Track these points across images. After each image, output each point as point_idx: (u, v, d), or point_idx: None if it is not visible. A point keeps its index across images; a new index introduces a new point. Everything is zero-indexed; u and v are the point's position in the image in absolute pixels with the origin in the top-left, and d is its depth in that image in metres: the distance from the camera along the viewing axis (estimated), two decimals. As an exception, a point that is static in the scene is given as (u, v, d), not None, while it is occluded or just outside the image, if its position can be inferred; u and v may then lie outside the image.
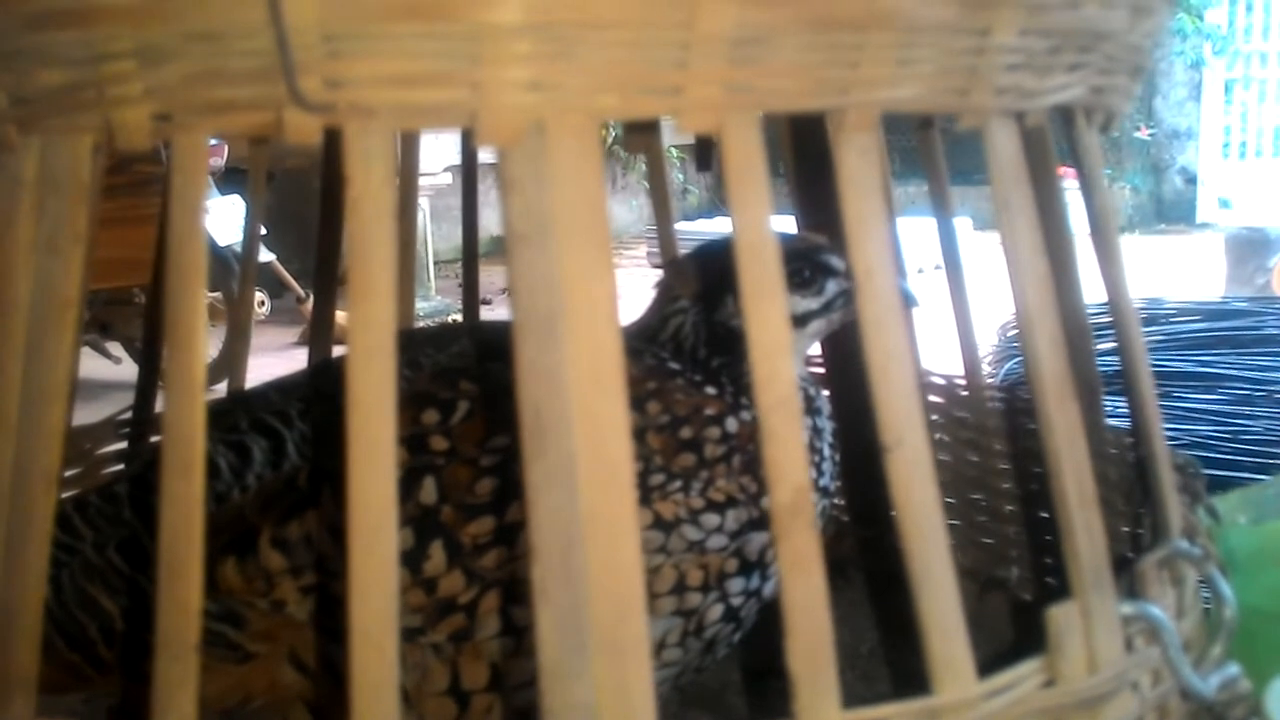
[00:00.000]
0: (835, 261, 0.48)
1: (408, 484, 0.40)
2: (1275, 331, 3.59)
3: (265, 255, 3.08)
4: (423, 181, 6.03)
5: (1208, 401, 3.42)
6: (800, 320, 0.49)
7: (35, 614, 0.27)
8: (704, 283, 0.48)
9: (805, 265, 0.48)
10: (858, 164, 0.28)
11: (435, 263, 5.74)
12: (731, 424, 0.45)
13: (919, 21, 0.27)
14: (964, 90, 0.28)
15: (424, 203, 5.51)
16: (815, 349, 0.57)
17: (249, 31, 0.25)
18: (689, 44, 0.26)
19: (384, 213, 0.26)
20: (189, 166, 0.27)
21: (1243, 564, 0.39)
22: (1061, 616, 0.30)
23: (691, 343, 0.47)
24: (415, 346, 0.49)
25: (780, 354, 0.27)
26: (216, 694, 0.40)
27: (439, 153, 5.62)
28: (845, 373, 0.57)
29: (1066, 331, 0.31)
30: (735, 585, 0.45)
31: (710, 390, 0.46)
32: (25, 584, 0.27)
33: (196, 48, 0.26)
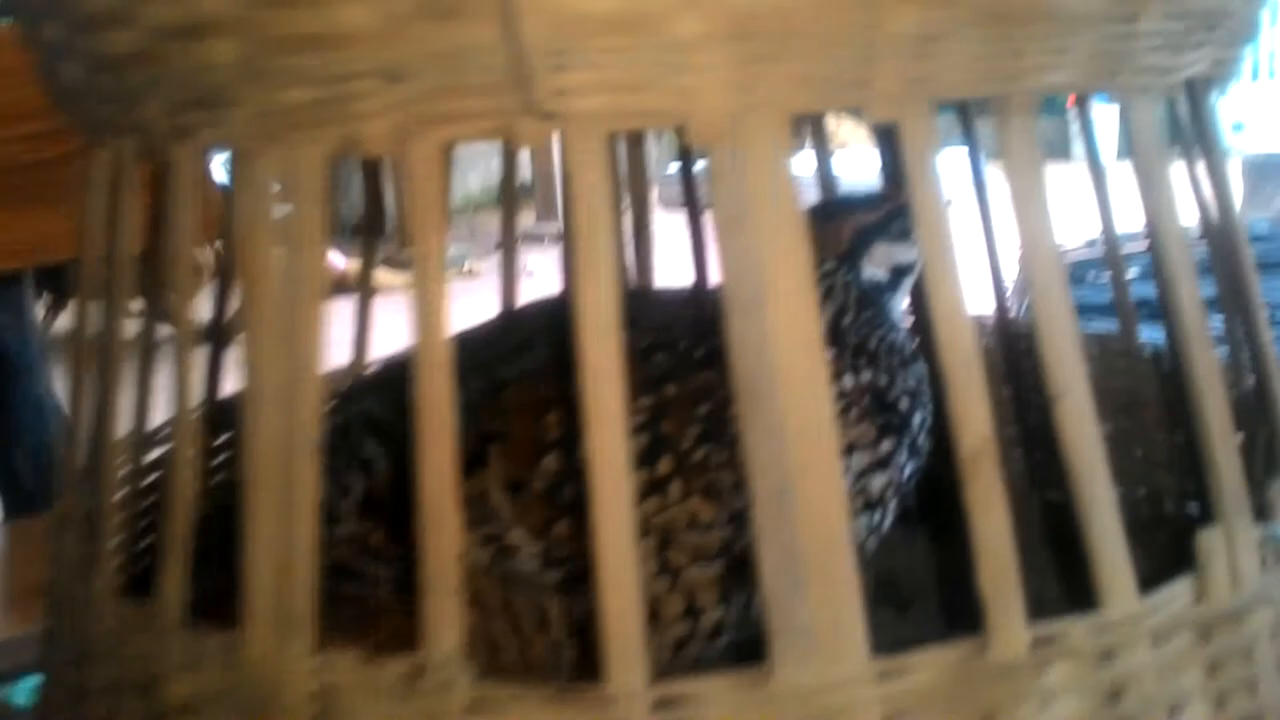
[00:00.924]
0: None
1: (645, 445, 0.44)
2: (1297, 256, 3.55)
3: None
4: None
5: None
6: (904, 270, 0.53)
7: (309, 567, 0.31)
8: (850, 243, 0.51)
9: (905, 217, 0.51)
10: (1020, 144, 0.31)
11: (453, 209, 5.74)
12: (848, 381, 0.49)
13: (1076, 13, 0.30)
14: (1113, 72, 0.31)
15: (437, 152, 5.54)
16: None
17: (485, 50, 0.29)
18: (875, 43, 0.29)
19: (603, 207, 0.30)
20: (424, 173, 0.30)
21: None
22: (1208, 540, 0.33)
23: (841, 303, 0.50)
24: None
25: (958, 315, 0.30)
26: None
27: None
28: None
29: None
30: (860, 522, 0.48)
31: (831, 350, 0.50)
32: (300, 545, 0.31)
33: (436, 65, 0.29)
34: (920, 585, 0.60)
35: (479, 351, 0.49)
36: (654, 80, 0.29)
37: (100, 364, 0.40)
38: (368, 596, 0.41)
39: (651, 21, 0.28)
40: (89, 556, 0.37)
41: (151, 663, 0.33)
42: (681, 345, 0.47)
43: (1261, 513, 0.36)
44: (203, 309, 0.50)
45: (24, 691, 0.81)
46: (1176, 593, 0.33)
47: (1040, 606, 0.31)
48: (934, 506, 0.54)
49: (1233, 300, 0.43)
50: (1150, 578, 0.33)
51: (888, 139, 0.60)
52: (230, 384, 0.46)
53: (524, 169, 6.75)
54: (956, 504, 0.30)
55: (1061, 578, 0.47)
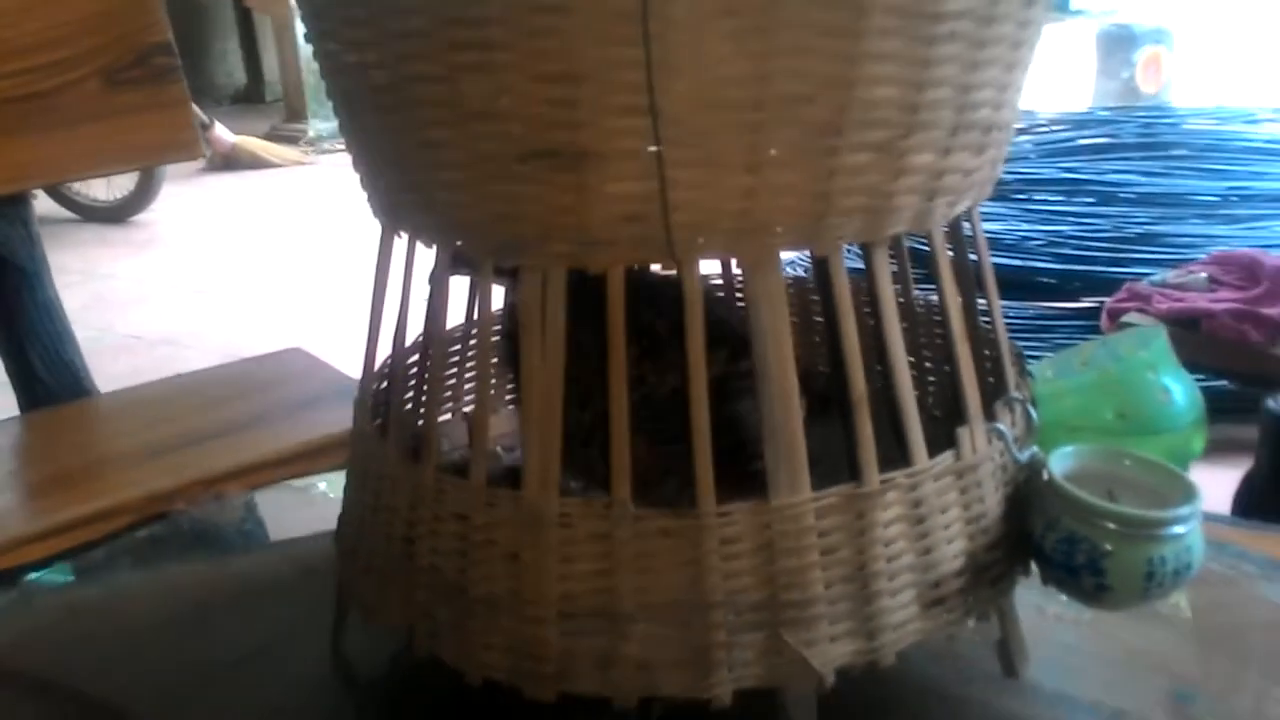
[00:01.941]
0: None
1: None
2: (1130, 138, 4.08)
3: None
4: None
5: (1069, 203, 3.96)
6: None
7: (558, 449, 0.66)
8: None
9: None
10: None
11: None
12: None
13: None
14: None
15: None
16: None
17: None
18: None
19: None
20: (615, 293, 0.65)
21: (1043, 399, 0.81)
22: (961, 432, 0.71)
23: None
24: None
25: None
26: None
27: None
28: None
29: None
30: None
31: None
32: (552, 439, 0.66)
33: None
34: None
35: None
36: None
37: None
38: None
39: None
40: (418, 443, 0.72)
41: (465, 506, 0.69)
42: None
43: (991, 415, 0.74)
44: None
45: (61, 571, 1.06)
46: (947, 457, 0.70)
47: (886, 466, 0.68)
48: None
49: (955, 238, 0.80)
50: (931, 449, 0.70)
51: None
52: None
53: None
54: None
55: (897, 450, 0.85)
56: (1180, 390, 1.20)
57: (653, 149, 0.60)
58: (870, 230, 0.65)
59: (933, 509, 0.70)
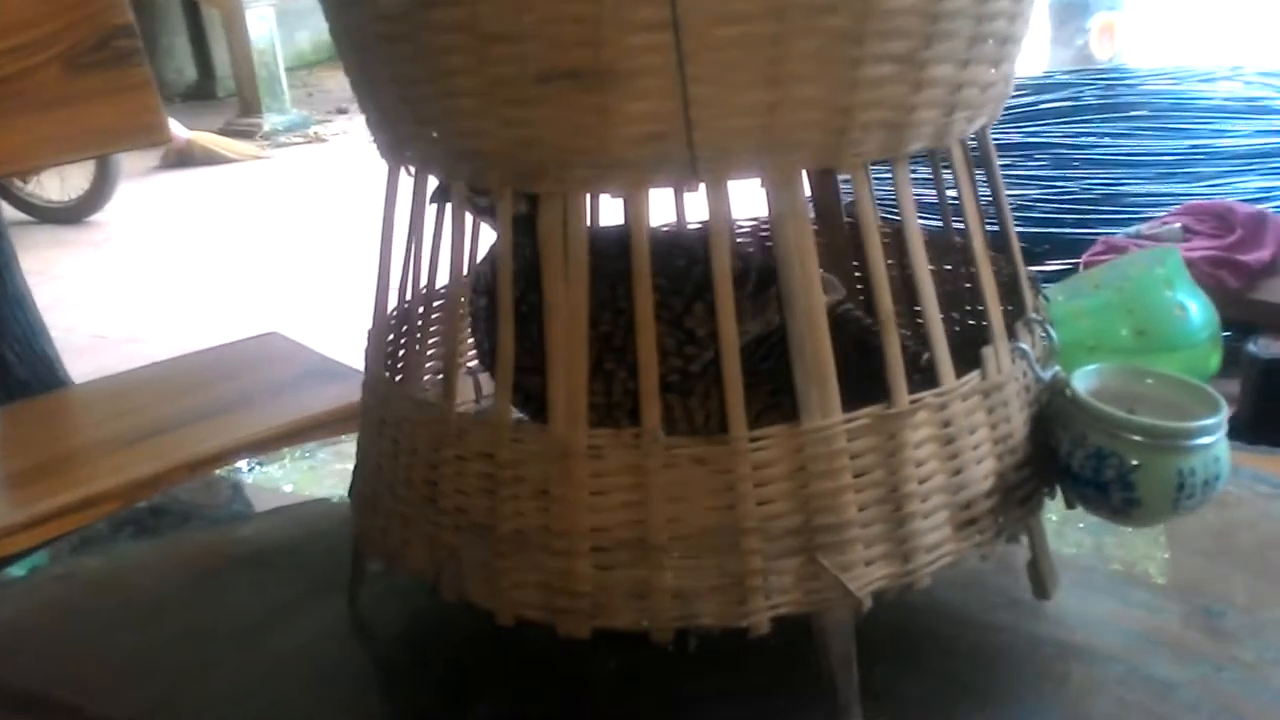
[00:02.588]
0: None
1: None
2: (1090, 101, 4.08)
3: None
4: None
5: (1033, 167, 3.96)
6: None
7: (584, 386, 0.65)
8: None
9: None
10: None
11: (286, 70, 5.82)
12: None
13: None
14: None
15: (269, 11, 5.59)
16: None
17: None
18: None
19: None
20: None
21: (1058, 321, 0.81)
22: (988, 351, 0.70)
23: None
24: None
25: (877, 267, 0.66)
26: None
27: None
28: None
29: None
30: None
31: None
32: (578, 376, 0.65)
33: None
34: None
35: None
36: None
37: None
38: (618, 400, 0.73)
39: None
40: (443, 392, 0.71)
41: (490, 444, 0.67)
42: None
43: (1011, 334, 0.74)
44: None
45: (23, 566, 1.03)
46: (974, 376, 0.70)
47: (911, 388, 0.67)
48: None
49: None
50: (959, 369, 0.70)
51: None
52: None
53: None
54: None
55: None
56: (1196, 306, 1.21)
57: (675, 63, 0.58)
58: (891, 146, 0.65)
59: (961, 429, 0.69)
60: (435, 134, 0.66)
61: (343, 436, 1.32)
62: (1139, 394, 0.75)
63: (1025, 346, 0.73)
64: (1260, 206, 2.12)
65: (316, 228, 4.35)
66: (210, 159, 5.15)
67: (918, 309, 0.70)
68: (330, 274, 3.79)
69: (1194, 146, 3.21)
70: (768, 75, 0.60)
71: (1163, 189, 3.03)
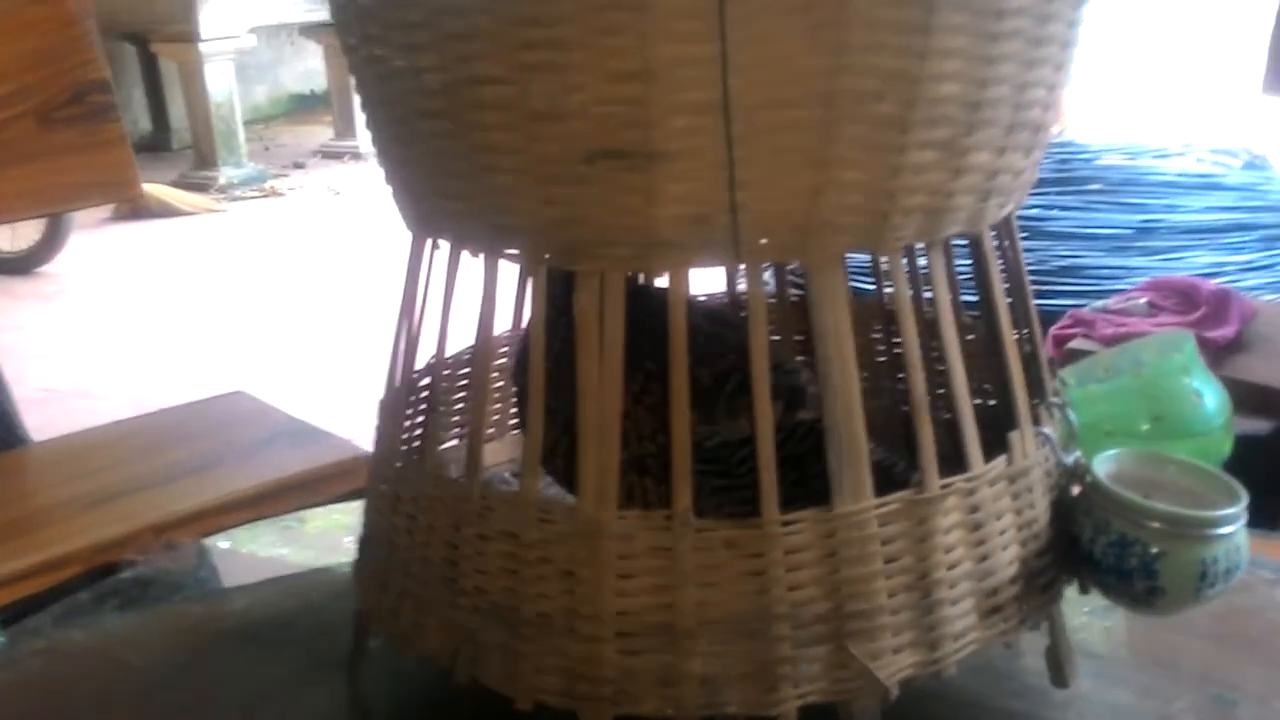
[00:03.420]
0: None
1: None
2: (1047, 174, 4.18)
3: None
4: (226, 45, 5.94)
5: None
6: None
7: (615, 466, 0.64)
8: None
9: None
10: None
11: (243, 124, 5.78)
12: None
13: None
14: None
15: (228, 65, 5.56)
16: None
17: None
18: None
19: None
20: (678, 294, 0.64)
21: (1075, 405, 0.81)
22: (1014, 437, 0.70)
23: None
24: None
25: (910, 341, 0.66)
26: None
27: (242, 13, 5.61)
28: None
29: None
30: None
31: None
32: (609, 456, 0.64)
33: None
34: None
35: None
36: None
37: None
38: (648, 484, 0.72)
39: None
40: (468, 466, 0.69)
41: (515, 523, 0.66)
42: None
43: (1035, 420, 0.74)
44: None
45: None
46: (1000, 461, 0.69)
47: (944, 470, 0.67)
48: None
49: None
50: (986, 454, 0.69)
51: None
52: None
53: (318, 80, 6.66)
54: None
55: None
56: (1210, 393, 1.22)
57: (723, 146, 0.58)
58: (929, 230, 0.65)
59: (989, 515, 0.69)
60: (470, 209, 0.65)
61: (325, 501, 1.29)
62: (1158, 481, 0.75)
63: (1048, 431, 0.73)
64: (1222, 283, 2.15)
65: (273, 283, 4.31)
66: (165, 211, 5.08)
67: (940, 390, 0.70)
68: (287, 330, 3.75)
69: (1147, 221, 3.27)
70: (814, 160, 0.60)
71: (1117, 262, 3.08)
